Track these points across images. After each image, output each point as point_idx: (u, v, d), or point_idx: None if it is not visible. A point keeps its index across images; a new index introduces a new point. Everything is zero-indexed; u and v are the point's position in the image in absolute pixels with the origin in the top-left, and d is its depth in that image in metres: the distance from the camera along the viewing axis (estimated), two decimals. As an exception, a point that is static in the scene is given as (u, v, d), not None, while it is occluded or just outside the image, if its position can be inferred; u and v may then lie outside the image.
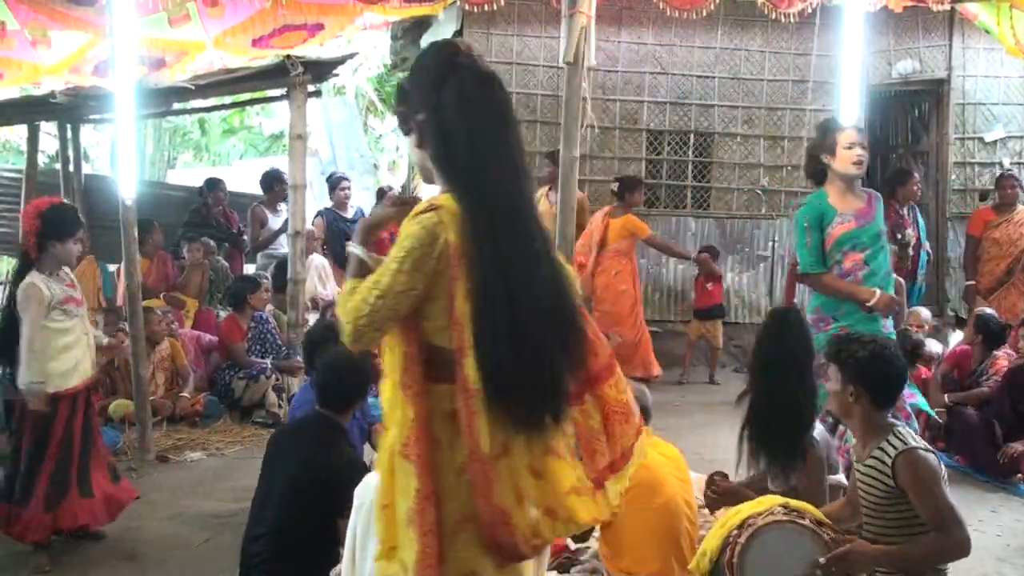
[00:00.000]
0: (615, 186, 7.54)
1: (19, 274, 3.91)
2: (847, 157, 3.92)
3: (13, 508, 3.82)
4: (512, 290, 1.92)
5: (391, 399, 2.01)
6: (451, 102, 1.98)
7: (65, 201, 4.50)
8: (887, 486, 2.66)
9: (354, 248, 2.11)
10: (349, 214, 8.20)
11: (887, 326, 4.01)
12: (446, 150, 2.00)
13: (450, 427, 1.97)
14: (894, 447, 2.67)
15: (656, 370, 7.36)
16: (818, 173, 4.09)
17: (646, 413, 3.40)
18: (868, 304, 3.88)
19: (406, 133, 2.13)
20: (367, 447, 4.10)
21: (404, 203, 2.14)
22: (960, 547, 2.60)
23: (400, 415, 1.98)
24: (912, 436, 2.73)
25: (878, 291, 3.90)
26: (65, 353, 3.89)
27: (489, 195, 1.96)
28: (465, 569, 1.97)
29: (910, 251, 6.44)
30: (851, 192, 4.00)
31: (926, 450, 2.68)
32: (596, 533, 3.38)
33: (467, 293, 1.92)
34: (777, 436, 3.26)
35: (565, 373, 2.02)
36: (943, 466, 2.69)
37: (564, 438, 2.05)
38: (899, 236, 6.24)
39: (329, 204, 8.43)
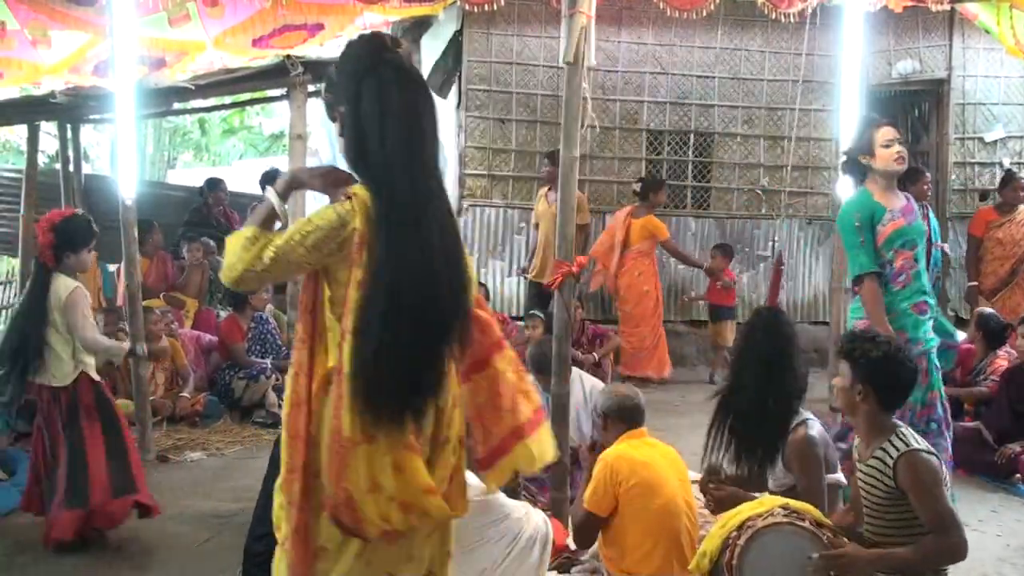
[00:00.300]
0: (637, 186, 7.54)
1: (40, 281, 3.97)
2: (887, 156, 3.84)
3: (70, 508, 3.84)
4: (398, 285, 1.95)
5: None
6: (369, 96, 2.02)
7: (78, 211, 4.56)
8: (888, 487, 2.66)
9: (272, 196, 2.14)
10: (349, 214, 8.18)
11: (930, 331, 3.91)
12: (359, 143, 2.05)
13: None
14: (896, 448, 2.67)
15: (668, 371, 7.43)
16: (856, 171, 3.99)
17: (639, 413, 3.41)
18: None
19: (332, 120, 2.18)
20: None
21: (333, 173, 2.17)
22: (957, 550, 2.60)
23: (287, 390, 2.07)
24: (915, 437, 2.72)
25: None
26: None
27: (394, 192, 1.99)
28: (320, 541, 2.02)
29: None
30: (891, 190, 3.92)
31: (928, 452, 2.68)
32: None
33: (359, 281, 1.96)
34: (757, 434, 3.26)
35: (439, 372, 2.04)
36: (945, 469, 2.69)
37: (438, 431, 2.07)
38: None
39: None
